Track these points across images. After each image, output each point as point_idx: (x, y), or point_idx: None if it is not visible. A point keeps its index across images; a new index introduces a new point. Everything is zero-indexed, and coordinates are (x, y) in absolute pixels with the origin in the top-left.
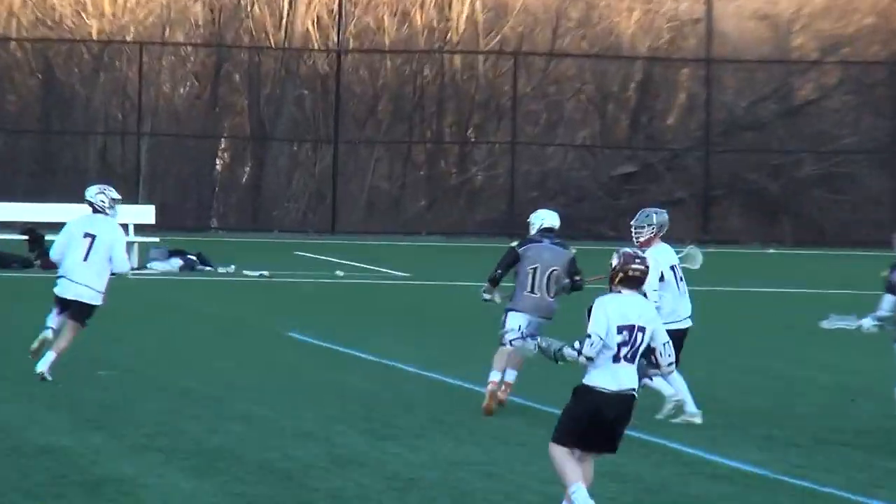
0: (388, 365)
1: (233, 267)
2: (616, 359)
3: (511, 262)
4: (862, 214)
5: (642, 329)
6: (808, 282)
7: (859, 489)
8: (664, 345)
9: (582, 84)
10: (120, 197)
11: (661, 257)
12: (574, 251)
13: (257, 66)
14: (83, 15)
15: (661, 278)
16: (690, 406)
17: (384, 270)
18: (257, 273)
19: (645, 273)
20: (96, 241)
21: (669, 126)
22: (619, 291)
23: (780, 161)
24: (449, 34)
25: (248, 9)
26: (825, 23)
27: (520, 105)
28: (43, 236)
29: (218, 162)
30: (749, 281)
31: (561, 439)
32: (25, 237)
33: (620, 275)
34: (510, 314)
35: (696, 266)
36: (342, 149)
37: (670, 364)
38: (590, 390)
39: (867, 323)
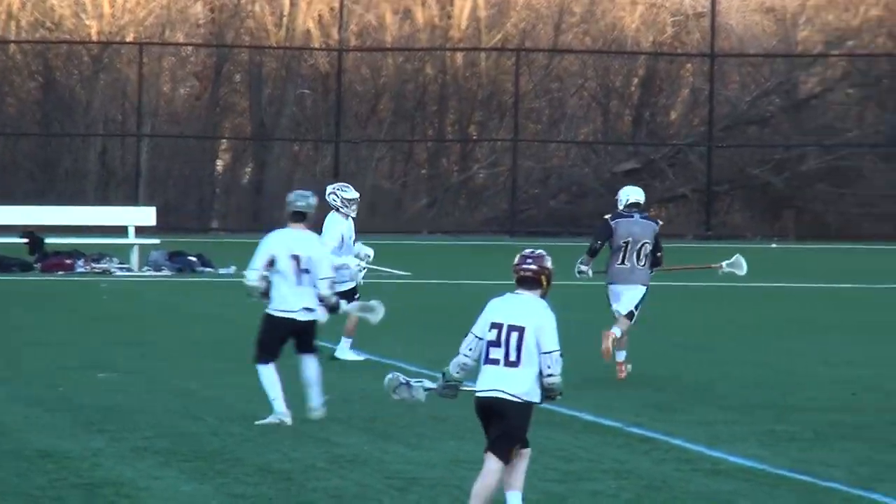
0: (388, 364)
1: (233, 268)
2: (487, 360)
3: (607, 234)
4: (866, 209)
5: (517, 329)
6: (811, 276)
7: (860, 483)
8: (547, 354)
9: (584, 80)
10: (356, 196)
11: (277, 241)
12: (660, 223)
13: (258, 65)
14: (82, 16)
15: (272, 262)
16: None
17: (385, 270)
18: None
19: (537, 273)
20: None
21: (672, 122)
22: (516, 292)
23: (783, 156)
24: (451, 31)
25: (249, 8)
26: (830, 15)
27: (522, 102)
28: (42, 239)
29: (219, 163)
30: (752, 276)
31: None
32: (25, 240)
33: (515, 275)
34: (610, 287)
35: (742, 272)
36: (343, 148)
37: (550, 375)
38: (478, 396)
39: None
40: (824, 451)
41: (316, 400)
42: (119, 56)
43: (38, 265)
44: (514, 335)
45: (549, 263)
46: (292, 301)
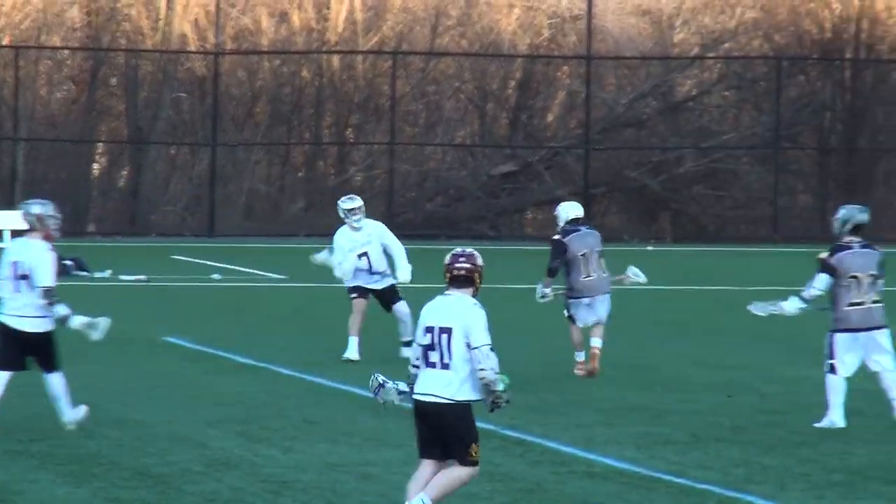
0: (263, 368)
1: (109, 272)
2: (427, 363)
3: (563, 251)
4: (742, 210)
5: (446, 330)
6: (688, 278)
7: (735, 485)
8: (476, 349)
9: (461, 83)
10: (354, 205)
11: (8, 249)
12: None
13: (134, 69)
14: None
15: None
16: (67, 413)
17: (261, 273)
18: (134, 277)
19: (470, 271)
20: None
21: (549, 124)
22: (447, 293)
23: (660, 158)
24: (327, 34)
25: (125, 11)
26: (706, 18)
27: (399, 105)
28: None
29: (95, 166)
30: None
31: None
32: None
33: (447, 275)
34: (578, 302)
35: (642, 280)
36: (220, 151)
37: (481, 370)
38: (415, 399)
39: (791, 306)
40: (700, 453)
41: (67, 415)
42: None
43: None
44: (444, 337)
45: (480, 261)
46: (8, 305)
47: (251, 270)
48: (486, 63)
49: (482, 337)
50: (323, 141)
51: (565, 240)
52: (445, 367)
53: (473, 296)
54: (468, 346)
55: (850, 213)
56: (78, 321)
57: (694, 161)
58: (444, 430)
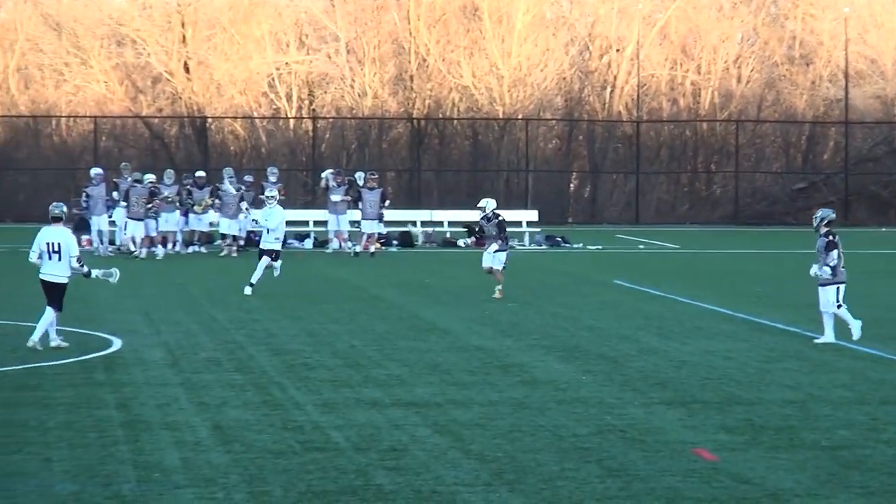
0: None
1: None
2: None
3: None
4: None
5: None
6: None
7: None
8: None
9: (775, 138)
10: (271, 194)
11: (42, 234)
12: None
13: (592, 131)
14: None
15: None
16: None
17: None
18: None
19: None
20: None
21: (824, 160)
22: None
23: (888, 179)
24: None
25: (588, 99)
26: None
27: (739, 150)
28: None
29: (571, 185)
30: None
31: None
32: None
33: None
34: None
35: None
36: (641, 178)
37: None
38: None
39: (815, 270)
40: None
41: (36, 335)
42: None
43: None
44: None
45: None
46: (46, 269)
47: None
48: (788, 126)
49: None
50: (698, 170)
51: (491, 218)
52: None
53: None
54: None
55: (826, 213)
56: (96, 272)
57: None
58: None
